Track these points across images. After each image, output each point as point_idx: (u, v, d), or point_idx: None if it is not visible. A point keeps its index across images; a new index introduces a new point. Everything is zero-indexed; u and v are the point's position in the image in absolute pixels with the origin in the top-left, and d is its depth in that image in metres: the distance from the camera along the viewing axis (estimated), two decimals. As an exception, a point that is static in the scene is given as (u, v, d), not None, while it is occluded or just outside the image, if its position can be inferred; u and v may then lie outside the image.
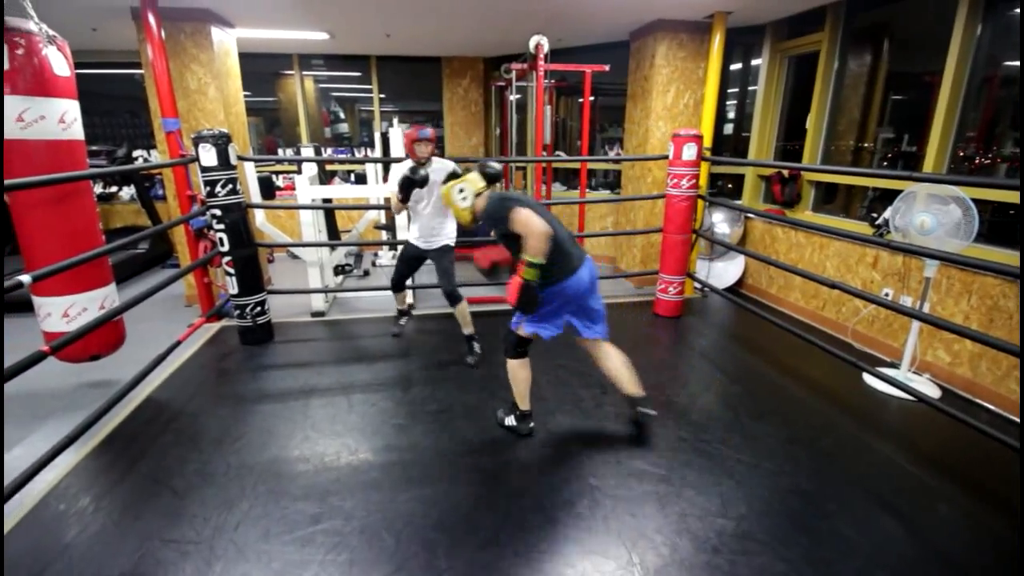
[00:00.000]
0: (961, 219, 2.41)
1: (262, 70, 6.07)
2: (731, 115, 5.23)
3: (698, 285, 4.30)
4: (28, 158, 2.15)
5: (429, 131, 2.88)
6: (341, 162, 5.94)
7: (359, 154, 6.57)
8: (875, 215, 3.41)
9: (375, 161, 4.90)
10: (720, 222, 4.53)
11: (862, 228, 3.51)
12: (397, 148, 4.29)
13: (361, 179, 6.27)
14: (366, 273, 5.26)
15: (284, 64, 6.17)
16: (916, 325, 2.83)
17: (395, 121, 5.43)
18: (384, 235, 5.26)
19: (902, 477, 2.17)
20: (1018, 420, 2.53)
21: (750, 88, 4.86)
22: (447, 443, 2.39)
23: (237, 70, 4.39)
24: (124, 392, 2.53)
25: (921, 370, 2.99)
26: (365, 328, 3.86)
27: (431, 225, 3.07)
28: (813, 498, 2.03)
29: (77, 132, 2.31)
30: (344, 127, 6.90)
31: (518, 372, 2.34)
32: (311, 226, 4.06)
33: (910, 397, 2.54)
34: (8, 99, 2.05)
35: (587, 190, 5.04)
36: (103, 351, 2.61)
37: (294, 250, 5.61)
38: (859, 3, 3.67)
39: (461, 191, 2.20)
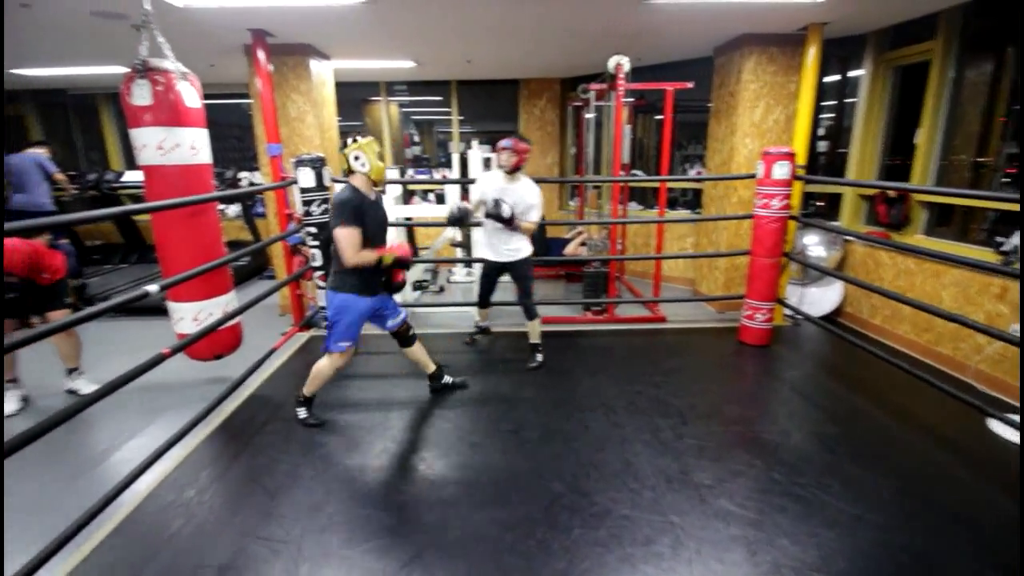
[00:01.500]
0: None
1: (352, 97, 6.50)
2: (826, 131, 4.89)
3: (789, 312, 4.02)
4: (166, 181, 2.42)
5: (509, 141, 3.02)
6: (421, 183, 6.19)
7: (436, 174, 6.83)
8: (1000, 240, 3.03)
9: (453, 182, 5.06)
10: (815, 245, 4.23)
11: (984, 255, 3.14)
12: (475, 168, 4.41)
13: (439, 199, 6.49)
14: (441, 289, 5.41)
15: (372, 91, 6.57)
16: (1058, 367, 2.47)
17: (474, 143, 5.58)
18: (459, 252, 5.39)
19: (1045, 545, 1.87)
20: None
21: (847, 101, 4.54)
22: (522, 465, 2.37)
23: (332, 98, 4.72)
24: (225, 395, 2.75)
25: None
26: (440, 344, 3.94)
27: (505, 238, 3.18)
28: (929, 561, 1.80)
29: (205, 157, 2.58)
30: (419, 149, 7.22)
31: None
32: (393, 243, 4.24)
33: (1052, 450, 2.21)
34: (150, 130, 2.33)
35: (665, 210, 4.90)
36: (226, 351, 2.85)
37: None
38: (977, 7, 3.33)
39: (357, 158, 2.42)
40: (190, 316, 2.62)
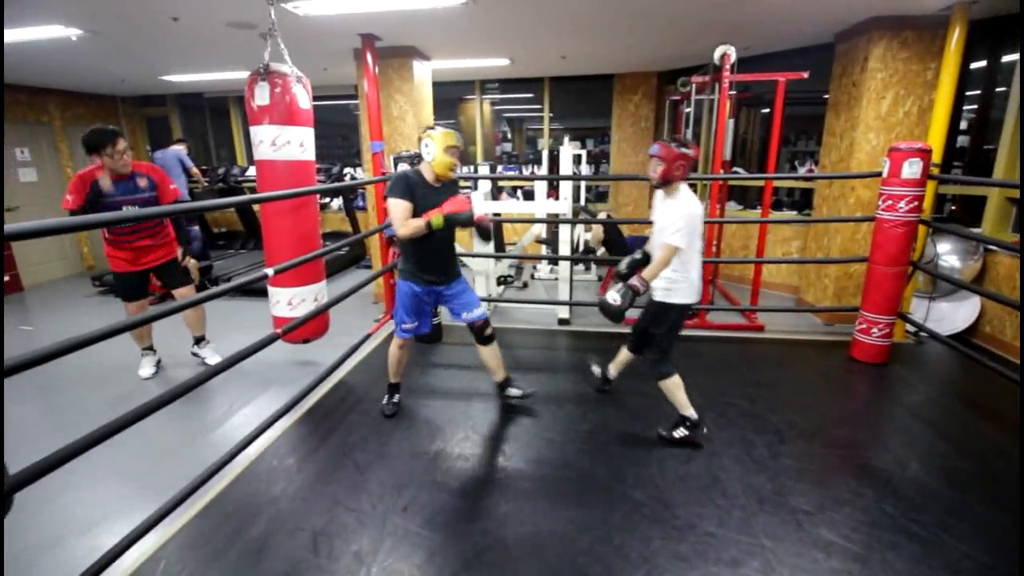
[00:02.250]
0: None
1: (448, 96, 6.72)
2: (968, 124, 4.29)
3: (912, 328, 3.58)
4: (276, 174, 2.65)
5: (656, 146, 2.23)
6: (511, 179, 6.25)
7: (526, 171, 6.87)
8: None
9: (542, 179, 5.06)
10: (948, 254, 3.72)
11: None
12: (566, 166, 4.37)
13: (528, 195, 6.53)
14: (525, 285, 5.44)
15: (466, 89, 6.75)
16: None
17: (566, 139, 5.54)
18: (544, 249, 5.39)
19: None
20: None
21: (998, 90, 3.93)
22: (600, 467, 2.32)
23: (430, 98, 4.90)
24: (326, 374, 2.97)
25: None
26: (522, 339, 3.97)
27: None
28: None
29: (310, 154, 2.79)
30: (509, 146, 7.29)
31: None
32: (480, 238, 4.33)
33: None
34: (267, 127, 2.55)
35: (769, 211, 4.56)
36: (313, 336, 3.08)
37: (464, 259, 6.05)
38: None
39: (427, 145, 2.37)
40: (285, 300, 2.85)
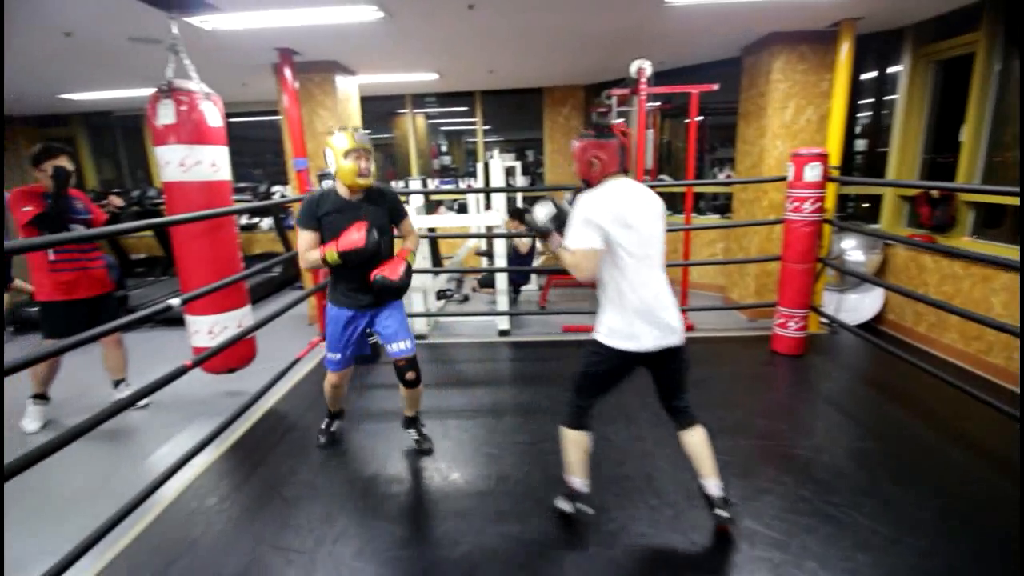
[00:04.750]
0: None
1: (379, 110, 6.64)
2: (863, 130, 4.68)
3: (825, 320, 3.84)
4: (187, 197, 2.51)
5: (575, 140, 1.87)
6: (445, 193, 6.23)
7: (463, 183, 6.87)
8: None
9: (477, 191, 5.08)
10: (853, 249, 4.03)
11: (1041, 257, 2.91)
12: (497, 178, 4.40)
13: (462, 208, 6.53)
14: (466, 298, 5.42)
15: (398, 104, 6.69)
16: None
17: (496, 152, 5.60)
18: (484, 262, 5.39)
19: (1112, 577, 1.70)
20: None
21: (887, 98, 4.33)
22: (538, 478, 2.32)
23: (357, 112, 4.82)
24: (251, 402, 2.81)
25: None
26: (463, 352, 3.94)
27: (665, 298, 1.85)
28: (979, 590, 1.66)
29: (225, 173, 2.66)
30: (448, 159, 7.29)
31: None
32: (416, 253, 4.28)
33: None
34: (173, 147, 2.42)
35: (693, 214, 4.78)
36: (238, 365, 2.91)
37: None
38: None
39: (326, 156, 2.17)
40: (205, 329, 2.69)
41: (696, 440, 1.91)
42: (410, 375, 2.32)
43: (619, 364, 1.80)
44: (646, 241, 1.75)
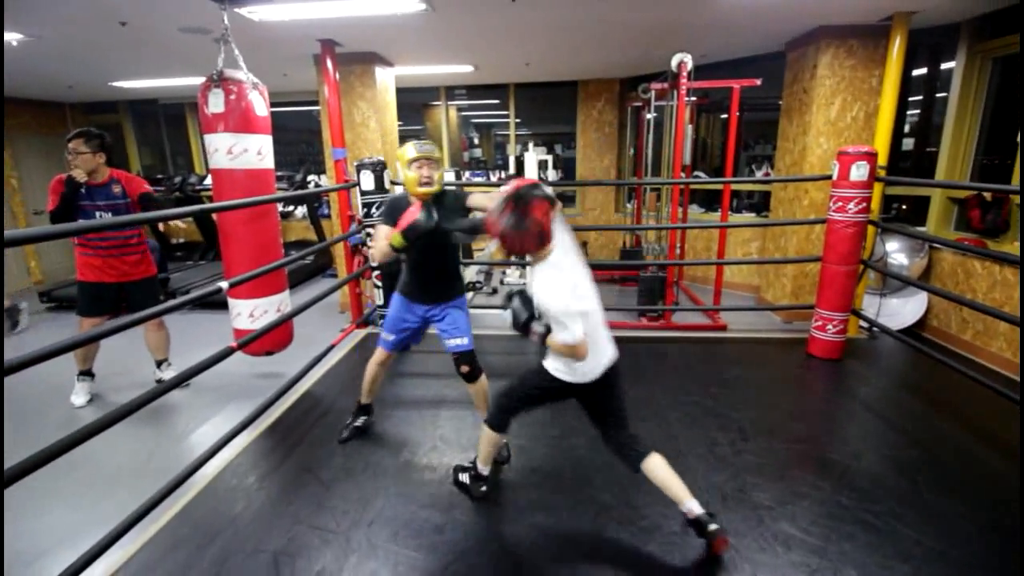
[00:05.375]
0: None
1: (413, 101, 6.68)
2: (912, 128, 4.51)
3: (865, 324, 3.73)
4: (234, 184, 2.58)
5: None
6: (476, 186, 6.24)
7: (493, 176, 6.88)
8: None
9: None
10: (896, 252, 3.90)
11: (1104, 265, 2.77)
12: (531, 171, 4.40)
13: (495, 200, 6.53)
14: (494, 291, 5.44)
15: (432, 96, 6.72)
16: None
17: (531, 146, 5.58)
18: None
19: None
20: None
21: (939, 96, 4.15)
22: (568, 471, 2.32)
23: (394, 104, 4.87)
24: (288, 386, 2.89)
25: None
26: (490, 344, 3.95)
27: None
28: (1029, 608, 1.60)
29: (269, 162, 2.72)
30: (478, 152, 7.30)
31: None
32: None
33: None
34: (222, 135, 2.48)
35: (729, 213, 4.69)
36: (276, 348, 3.00)
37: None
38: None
39: (400, 170, 2.23)
40: (247, 312, 2.77)
41: (657, 466, 1.83)
42: (464, 368, 2.37)
43: (562, 392, 1.88)
44: (594, 294, 1.76)
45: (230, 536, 1.97)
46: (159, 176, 6.13)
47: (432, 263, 2.31)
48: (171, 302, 2.02)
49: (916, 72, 4.29)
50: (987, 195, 3.48)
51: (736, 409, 2.83)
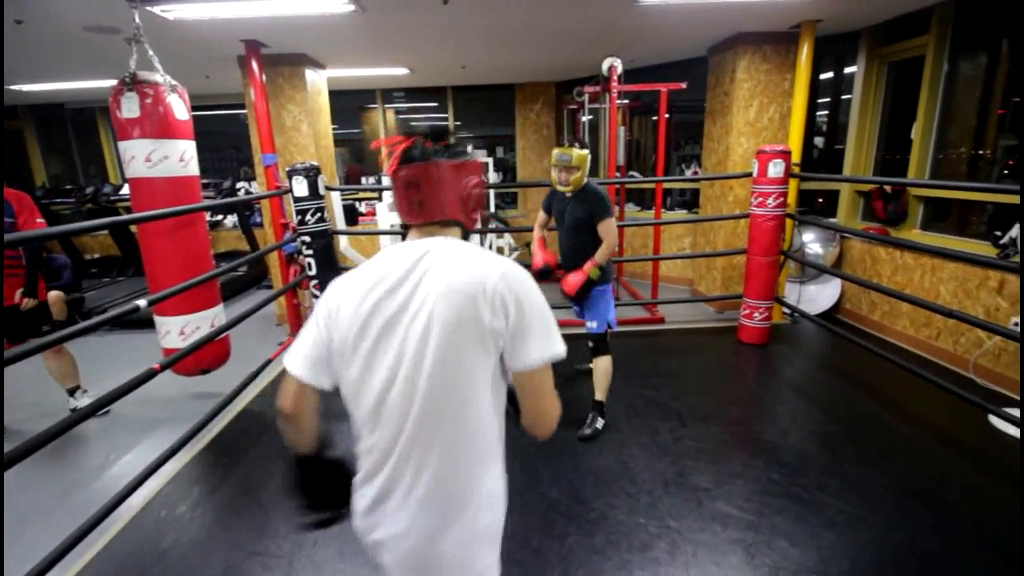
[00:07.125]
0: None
1: (348, 104, 6.51)
2: (822, 128, 4.88)
3: (787, 310, 4.00)
4: (154, 193, 2.42)
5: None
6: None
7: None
8: (999, 233, 3.00)
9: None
10: (812, 242, 4.20)
11: (983, 248, 3.11)
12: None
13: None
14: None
15: (368, 98, 6.59)
16: (1060, 361, 2.44)
17: (471, 148, 5.58)
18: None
19: (1049, 543, 1.84)
20: None
21: (843, 97, 4.52)
22: (517, 472, 2.34)
23: (327, 107, 4.73)
24: (223, 405, 2.74)
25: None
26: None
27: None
28: (934, 561, 1.77)
29: (193, 169, 2.58)
30: (418, 155, 7.22)
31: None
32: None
33: (1055, 446, 2.17)
34: (138, 142, 2.33)
35: (662, 210, 4.89)
36: (212, 366, 2.83)
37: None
38: (970, 2, 3.32)
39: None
40: (176, 330, 2.61)
41: None
42: (590, 343, 2.66)
43: None
44: None
45: (159, 572, 1.85)
46: (68, 187, 5.64)
47: (573, 244, 2.61)
48: (84, 323, 1.87)
49: (824, 76, 4.65)
50: (887, 188, 3.82)
51: (675, 398, 2.95)
